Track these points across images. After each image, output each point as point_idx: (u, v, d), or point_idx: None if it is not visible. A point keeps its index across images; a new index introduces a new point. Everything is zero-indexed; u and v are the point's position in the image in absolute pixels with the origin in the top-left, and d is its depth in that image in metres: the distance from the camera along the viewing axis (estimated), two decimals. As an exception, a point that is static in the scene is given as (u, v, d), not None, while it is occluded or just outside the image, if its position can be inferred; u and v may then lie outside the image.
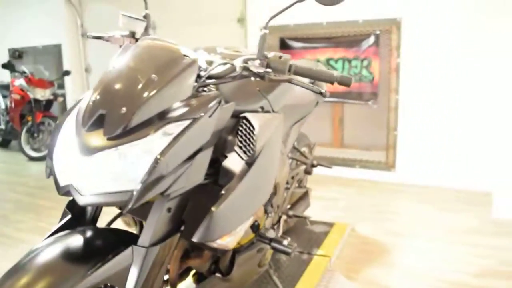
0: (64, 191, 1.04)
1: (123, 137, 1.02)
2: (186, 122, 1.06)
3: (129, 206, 0.98)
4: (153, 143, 1.02)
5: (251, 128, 1.28)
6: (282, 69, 1.21)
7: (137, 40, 1.42)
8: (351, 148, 4.23)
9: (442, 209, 3.19)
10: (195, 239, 1.14)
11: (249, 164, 1.24)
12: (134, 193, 0.98)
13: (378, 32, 3.70)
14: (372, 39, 3.73)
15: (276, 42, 4.10)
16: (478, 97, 3.42)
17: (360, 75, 3.83)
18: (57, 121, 1.19)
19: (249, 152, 1.26)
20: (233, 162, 1.24)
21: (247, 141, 1.28)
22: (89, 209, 1.24)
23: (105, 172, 1.00)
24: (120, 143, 1.01)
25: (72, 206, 1.22)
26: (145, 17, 1.44)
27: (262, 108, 1.47)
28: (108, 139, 1.02)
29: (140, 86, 1.07)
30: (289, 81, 1.21)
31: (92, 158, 1.01)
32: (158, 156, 1.00)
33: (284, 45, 4.11)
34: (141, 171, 0.99)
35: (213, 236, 1.14)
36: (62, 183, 1.05)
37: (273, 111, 1.53)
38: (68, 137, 1.09)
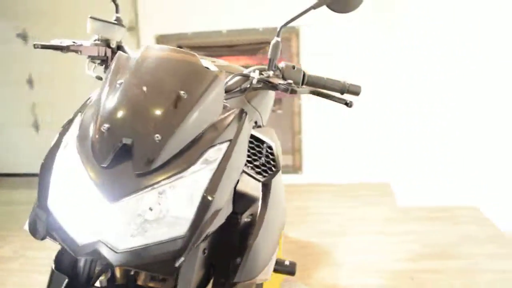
0: (87, 251, 0.79)
1: (158, 171, 0.81)
2: (225, 145, 0.90)
3: (183, 256, 0.79)
4: (197, 175, 0.83)
5: (262, 145, 1.15)
6: (297, 80, 1.14)
7: (113, 49, 1.19)
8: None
9: (356, 203, 3.40)
10: (238, 279, 0.97)
11: (266, 185, 1.11)
12: (183, 239, 0.80)
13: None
14: (272, 47, 3.82)
15: (173, 51, 3.93)
16: (373, 96, 3.74)
17: (263, 82, 3.89)
18: (45, 158, 0.90)
19: (267, 172, 1.13)
20: (248, 185, 1.09)
21: (261, 160, 1.14)
22: (81, 266, 0.96)
23: (141, 219, 0.79)
24: (156, 180, 0.80)
25: (59, 265, 0.95)
26: (116, 21, 1.21)
27: (256, 122, 1.36)
28: (139, 175, 0.80)
29: (170, 106, 0.87)
30: (313, 93, 1.14)
31: (121, 203, 0.78)
32: (207, 191, 0.83)
33: (182, 54, 3.96)
34: (189, 212, 0.81)
35: (256, 271, 1.00)
36: (83, 240, 0.79)
37: (263, 125, 1.43)
38: (74, 178, 0.83)
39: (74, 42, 1.16)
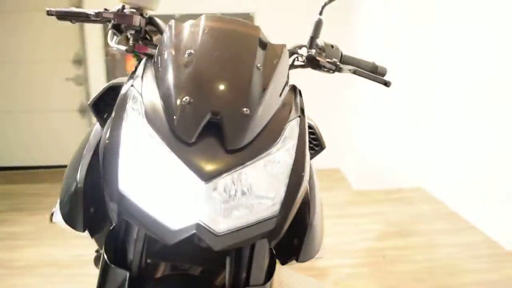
0: (183, 236, 0.71)
1: (247, 147, 0.76)
2: (297, 121, 0.86)
3: (279, 235, 0.77)
4: (282, 152, 0.79)
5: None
6: (337, 59, 1.14)
7: (148, 19, 1.08)
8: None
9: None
10: (303, 259, 0.95)
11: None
12: (277, 219, 0.76)
13: (232, 26, 3.76)
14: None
15: (121, 35, 3.72)
16: (316, 84, 3.86)
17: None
18: (108, 138, 0.78)
19: (310, 150, 1.11)
20: None
21: None
22: (130, 255, 0.86)
23: (235, 199, 0.74)
24: (247, 156, 0.75)
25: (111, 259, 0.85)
26: None
27: None
28: (229, 152, 0.74)
29: (251, 79, 0.82)
30: (355, 72, 1.14)
31: (216, 183, 0.72)
32: (295, 168, 0.79)
33: (131, 39, 3.77)
34: (280, 189, 0.77)
35: (316, 249, 0.99)
36: (177, 225, 0.71)
37: None
38: (154, 157, 0.75)
39: (105, 9, 1.03)
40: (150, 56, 0.98)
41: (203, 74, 0.81)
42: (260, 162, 0.76)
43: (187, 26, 0.92)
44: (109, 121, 0.84)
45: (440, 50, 3.22)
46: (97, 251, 1.22)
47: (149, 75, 0.88)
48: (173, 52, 0.85)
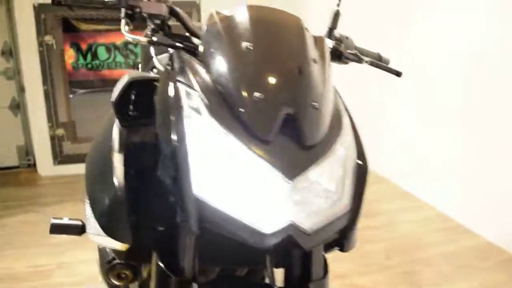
0: (277, 239, 0.67)
1: (319, 142, 0.74)
2: (347, 113, 0.86)
3: (351, 230, 0.78)
4: (345, 145, 0.78)
5: None
6: (353, 50, 1.13)
7: (170, 8, 0.98)
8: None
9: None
10: (348, 248, 0.93)
11: None
12: (350, 213, 0.77)
13: (179, 14, 3.62)
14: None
15: (57, 24, 3.41)
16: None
17: (165, 59, 3.69)
18: (178, 141, 0.72)
19: None
20: None
21: None
22: (183, 262, 0.80)
23: (316, 196, 0.71)
24: (321, 152, 0.73)
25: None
26: None
27: None
28: (305, 148, 0.72)
29: (313, 73, 0.80)
30: (371, 63, 1.13)
31: (300, 181, 0.69)
32: (360, 160, 0.80)
33: (69, 28, 3.48)
34: (349, 185, 0.77)
35: (356, 236, 1.01)
36: (270, 228, 0.67)
37: None
38: (231, 157, 0.70)
39: None
40: (175, 48, 0.90)
41: (268, 68, 0.78)
42: (331, 158, 0.75)
43: (233, 17, 0.85)
44: (160, 123, 0.79)
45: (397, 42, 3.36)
46: (109, 261, 1.12)
47: (195, 69, 0.81)
48: (230, 45, 0.80)
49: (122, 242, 0.84)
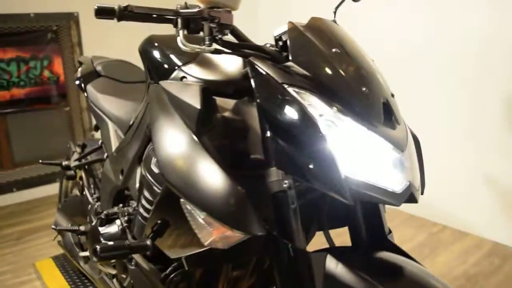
0: (405, 196, 0.86)
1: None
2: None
3: (423, 188, 0.98)
4: (404, 127, 0.97)
5: None
6: None
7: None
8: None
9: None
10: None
11: None
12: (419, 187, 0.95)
13: (55, 27, 3.35)
14: (49, 36, 3.34)
15: None
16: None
17: (43, 76, 3.36)
18: (320, 140, 0.85)
19: None
20: None
21: None
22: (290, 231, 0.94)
23: (411, 163, 0.92)
24: (405, 130, 0.95)
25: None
26: None
27: None
28: (395, 128, 0.92)
29: (376, 70, 0.99)
30: None
31: (406, 152, 0.89)
32: (414, 140, 1.01)
33: None
34: (416, 158, 0.96)
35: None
36: (399, 188, 0.85)
37: None
38: (365, 142, 0.86)
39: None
40: (244, 56, 1.04)
41: (359, 66, 0.94)
42: (409, 132, 0.97)
43: (311, 28, 1.00)
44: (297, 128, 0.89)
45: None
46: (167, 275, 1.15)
47: (293, 72, 0.94)
48: (324, 51, 0.94)
49: (250, 233, 0.91)
